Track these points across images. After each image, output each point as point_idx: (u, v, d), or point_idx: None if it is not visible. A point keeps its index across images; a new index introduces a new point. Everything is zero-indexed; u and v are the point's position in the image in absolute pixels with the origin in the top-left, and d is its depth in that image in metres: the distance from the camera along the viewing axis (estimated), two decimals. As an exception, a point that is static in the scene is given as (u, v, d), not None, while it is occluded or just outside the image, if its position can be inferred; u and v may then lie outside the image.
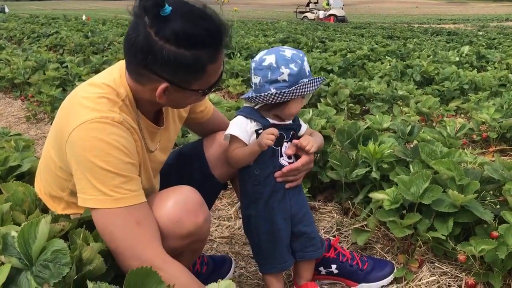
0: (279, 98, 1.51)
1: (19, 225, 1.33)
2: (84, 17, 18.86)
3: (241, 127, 1.58)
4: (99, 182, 1.26)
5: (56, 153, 1.41)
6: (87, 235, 1.31)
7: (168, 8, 1.23)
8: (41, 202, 1.54)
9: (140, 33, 1.26)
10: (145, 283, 1.11)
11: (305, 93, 1.52)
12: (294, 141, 1.61)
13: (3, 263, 1.16)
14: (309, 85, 1.52)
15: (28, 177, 1.93)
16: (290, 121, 1.63)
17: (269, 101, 1.52)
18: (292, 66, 1.50)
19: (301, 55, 1.56)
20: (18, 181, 1.74)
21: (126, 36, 1.33)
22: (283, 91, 1.49)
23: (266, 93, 1.50)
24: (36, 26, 13.76)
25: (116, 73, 1.42)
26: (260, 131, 1.58)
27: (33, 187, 1.61)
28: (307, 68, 1.55)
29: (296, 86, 1.50)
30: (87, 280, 1.08)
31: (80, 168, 1.28)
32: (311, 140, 1.61)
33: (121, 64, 1.44)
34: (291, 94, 1.51)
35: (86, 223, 1.38)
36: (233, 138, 1.59)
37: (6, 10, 24.42)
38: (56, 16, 21.75)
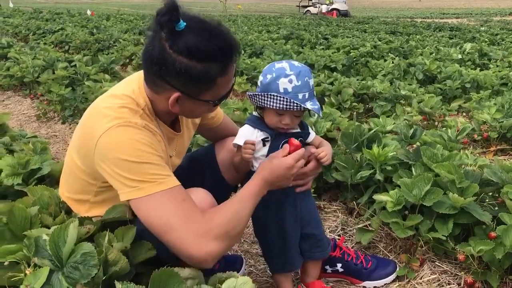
0: (251, 100, 1.64)
1: (47, 227, 1.43)
2: (88, 12, 18.87)
3: (247, 137, 1.66)
4: (137, 174, 1.34)
5: (82, 160, 1.51)
6: (111, 237, 1.41)
7: (182, 24, 1.34)
8: (65, 205, 1.63)
9: (156, 46, 1.37)
10: (168, 283, 1.21)
11: (268, 105, 1.56)
12: (312, 150, 1.69)
13: (36, 265, 1.26)
14: (271, 99, 1.55)
15: (48, 179, 2.02)
16: (298, 129, 1.70)
17: (250, 101, 1.65)
18: (268, 76, 1.58)
19: (289, 73, 1.55)
20: (40, 184, 1.84)
21: (144, 48, 1.43)
22: (252, 93, 1.62)
23: (249, 93, 1.64)
24: (41, 22, 13.81)
25: (135, 84, 1.52)
26: (267, 140, 1.66)
27: (55, 190, 1.71)
28: (283, 86, 1.54)
29: (260, 93, 1.58)
30: (115, 281, 1.18)
31: (114, 169, 1.36)
32: (328, 154, 1.69)
33: (139, 75, 1.54)
34: (257, 100, 1.60)
35: (109, 224, 1.48)
36: (239, 147, 1.68)
37: (11, 5, 24.40)
38: (59, 11, 21.77)
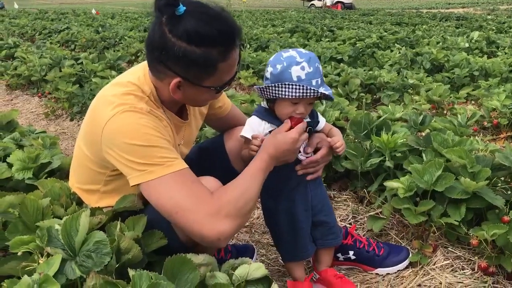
0: (261, 93, 1.58)
1: (58, 218, 1.44)
2: (93, 11, 18.93)
3: (254, 129, 1.64)
4: (145, 158, 1.33)
5: (89, 149, 1.51)
6: (123, 227, 1.41)
7: (182, 8, 1.32)
8: (76, 196, 1.64)
9: (156, 31, 1.36)
10: (181, 269, 1.21)
11: (283, 95, 1.52)
12: (329, 139, 1.68)
13: (49, 254, 1.26)
14: (286, 89, 1.51)
15: (58, 173, 2.03)
16: (308, 119, 1.69)
17: (259, 95, 1.61)
18: (278, 66, 1.53)
19: (300, 60, 1.52)
20: (50, 177, 1.85)
21: (147, 35, 1.43)
22: (262, 86, 1.56)
23: (258, 87, 1.59)
24: (47, 22, 13.88)
25: (140, 72, 1.52)
26: None
27: (66, 182, 1.71)
28: (296, 74, 1.51)
29: (273, 85, 1.52)
30: (128, 268, 1.18)
31: (122, 154, 1.35)
32: (343, 143, 1.68)
33: (145, 64, 1.54)
34: (269, 92, 1.54)
35: (119, 214, 1.48)
36: (246, 140, 1.67)
37: (16, 6, 24.52)
38: (65, 11, 21.85)
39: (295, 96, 1.50)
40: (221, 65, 1.39)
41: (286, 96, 1.51)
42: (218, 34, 1.35)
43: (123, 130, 1.35)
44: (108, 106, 1.40)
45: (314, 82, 1.52)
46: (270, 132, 1.63)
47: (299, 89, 1.49)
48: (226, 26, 1.37)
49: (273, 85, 1.52)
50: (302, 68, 1.51)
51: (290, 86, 1.50)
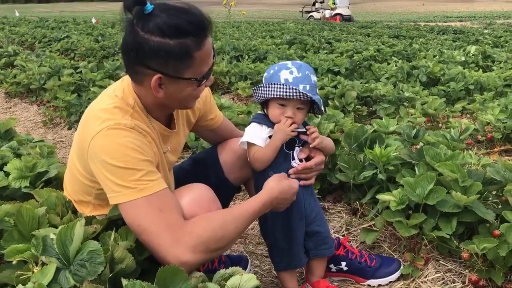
0: (255, 95, 1.72)
1: (54, 226, 1.45)
2: (93, 20, 19.02)
3: (256, 134, 1.70)
4: (121, 179, 1.37)
5: (80, 162, 1.54)
6: (116, 236, 1.43)
7: (149, 6, 1.38)
8: (71, 205, 1.66)
9: (129, 33, 1.40)
10: (173, 280, 1.23)
11: (270, 95, 1.65)
12: (307, 127, 1.75)
13: (43, 263, 1.28)
14: (273, 89, 1.64)
15: (55, 182, 2.05)
16: (303, 128, 1.74)
17: (255, 97, 1.74)
18: (270, 71, 1.70)
19: (290, 66, 1.67)
20: (47, 186, 1.87)
21: (122, 40, 1.46)
22: (255, 88, 1.70)
23: (254, 88, 1.71)
24: (47, 30, 13.94)
25: (125, 84, 1.56)
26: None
27: (61, 192, 1.74)
28: (284, 76, 1.64)
29: (262, 85, 1.67)
30: (121, 278, 1.20)
31: (103, 171, 1.39)
32: (319, 136, 1.74)
33: (126, 77, 1.58)
34: (260, 92, 1.68)
35: (113, 222, 1.51)
36: (250, 144, 1.71)
37: (17, 14, 24.63)
38: (65, 19, 21.96)
39: (278, 95, 1.62)
40: (197, 54, 1.42)
41: (272, 96, 1.64)
42: (189, 24, 1.39)
43: (105, 149, 1.39)
44: (96, 121, 1.43)
45: (301, 87, 1.63)
46: (270, 137, 1.70)
47: (283, 88, 1.62)
48: (195, 17, 1.42)
49: (262, 85, 1.66)
50: (291, 72, 1.65)
51: (277, 86, 1.63)
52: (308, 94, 1.60)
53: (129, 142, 1.40)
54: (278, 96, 1.62)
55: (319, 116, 2.86)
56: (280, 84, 1.62)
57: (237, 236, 1.46)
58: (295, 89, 1.59)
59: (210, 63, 1.50)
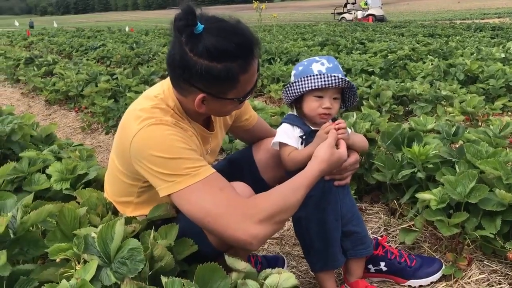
0: (286, 94, 1.67)
1: (95, 226, 1.48)
2: (127, 29, 19.46)
3: (288, 134, 1.69)
4: (172, 169, 1.38)
5: (121, 162, 1.57)
6: (156, 235, 1.44)
7: (200, 27, 1.36)
8: (111, 206, 1.69)
9: (177, 50, 1.40)
10: (212, 277, 1.23)
11: (307, 88, 1.60)
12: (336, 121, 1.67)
13: (85, 261, 1.30)
14: (309, 81, 1.60)
15: (94, 184, 2.09)
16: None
17: (284, 98, 1.69)
18: (299, 67, 1.66)
19: (319, 59, 1.65)
20: (87, 188, 1.91)
21: (167, 53, 1.48)
22: (287, 86, 1.66)
23: (283, 90, 1.68)
24: (83, 39, 14.37)
25: (165, 86, 1.58)
26: (304, 137, 1.68)
27: (102, 193, 1.77)
28: (317, 68, 1.61)
29: (296, 80, 1.63)
30: (161, 275, 1.21)
31: (150, 166, 1.40)
32: (347, 130, 1.66)
33: (168, 79, 1.59)
34: (293, 88, 1.64)
35: (152, 223, 1.53)
36: (282, 145, 1.70)
37: (55, 25, 25.45)
38: (100, 28, 22.56)
39: (318, 85, 1.59)
40: (242, 77, 1.43)
41: (310, 88, 1.60)
42: (237, 48, 1.38)
43: (150, 143, 1.40)
44: (136, 120, 1.46)
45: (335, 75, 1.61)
46: (300, 137, 1.68)
47: (321, 78, 1.59)
48: (244, 39, 1.41)
49: (296, 80, 1.62)
50: (322, 64, 1.63)
51: (312, 77, 1.60)
52: (347, 79, 1.59)
53: (172, 134, 1.42)
54: (316, 87, 1.58)
55: (354, 115, 2.83)
56: (316, 75, 1.59)
57: (298, 205, 1.46)
58: (334, 76, 1.57)
59: (253, 82, 1.51)
